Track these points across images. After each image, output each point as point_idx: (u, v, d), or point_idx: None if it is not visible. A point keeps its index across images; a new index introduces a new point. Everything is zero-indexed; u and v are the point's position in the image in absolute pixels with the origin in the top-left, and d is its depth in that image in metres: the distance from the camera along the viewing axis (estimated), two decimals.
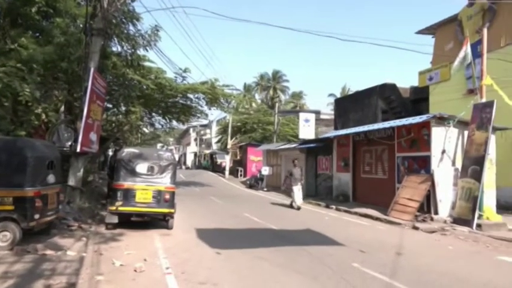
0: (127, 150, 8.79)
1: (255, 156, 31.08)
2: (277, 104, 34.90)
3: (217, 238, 7.90)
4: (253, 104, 47.65)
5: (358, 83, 55.49)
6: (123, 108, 16.76)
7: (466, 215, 9.80)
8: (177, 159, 59.04)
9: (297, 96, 57.48)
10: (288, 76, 61.15)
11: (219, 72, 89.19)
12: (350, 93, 40.14)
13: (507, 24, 15.13)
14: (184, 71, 16.64)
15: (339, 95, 46.75)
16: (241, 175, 32.18)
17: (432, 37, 19.92)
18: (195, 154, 58.50)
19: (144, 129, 25.82)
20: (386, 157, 13.32)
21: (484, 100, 10.75)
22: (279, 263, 5.86)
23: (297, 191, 13.35)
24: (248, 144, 33.28)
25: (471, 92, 14.94)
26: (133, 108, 15.24)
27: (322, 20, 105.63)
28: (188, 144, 66.29)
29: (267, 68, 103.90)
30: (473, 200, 9.73)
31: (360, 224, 10.35)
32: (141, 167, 8.35)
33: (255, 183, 23.48)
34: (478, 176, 9.85)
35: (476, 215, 9.58)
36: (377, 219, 10.97)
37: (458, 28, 17.20)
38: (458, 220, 9.97)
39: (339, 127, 22.59)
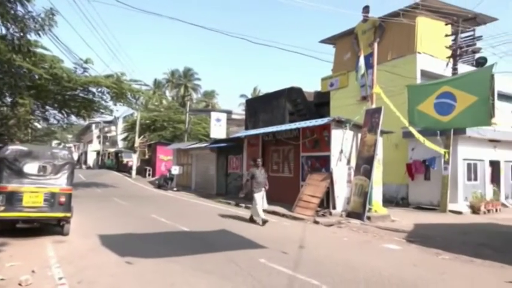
0: (12, 148, 7.67)
1: (164, 155, 30.17)
2: (188, 103, 34.32)
3: (121, 242, 7.41)
4: (164, 101, 46.10)
5: (269, 85, 58.19)
6: (9, 100, 14.63)
7: (358, 209, 10.96)
8: (76, 158, 53.69)
9: (209, 95, 57.40)
10: (200, 74, 60.76)
11: (127, 67, 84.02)
12: (261, 94, 41.62)
13: (393, 41, 17.39)
14: (86, 62, 15.24)
15: (250, 96, 48.07)
16: (149, 175, 30.90)
17: (333, 47, 21.83)
18: (98, 153, 54.05)
19: (36, 124, 22.96)
20: (292, 156, 14.14)
21: (374, 106, 12.16)
22: (188, 265, 5.75)
23: (260, 199, 10.03)
24: (157, 143, 32.15)
25: (364, 98, 16.79)
26: (22, 100, 13.43)
27: (235, 20, 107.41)
28: (90, 141, 60.90)
29: (179, 65, 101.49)
30: (364, 196, 10.93)
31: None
32: (31, 167, 7.38)
33: (164, 183, 22.73)
34: (368, 174, 11.10)
35: (367, 209, 10.80)
36: (283, 215, 11.57)
37: (354, 41, 19.14)
38: (352, 214, 11.10)
39: (249, 127, 23.22)
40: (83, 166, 53.45)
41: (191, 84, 55.29)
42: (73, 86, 15.57)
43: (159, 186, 22.87)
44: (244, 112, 29.89)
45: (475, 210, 13.29)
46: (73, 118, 19.97)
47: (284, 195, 13.67)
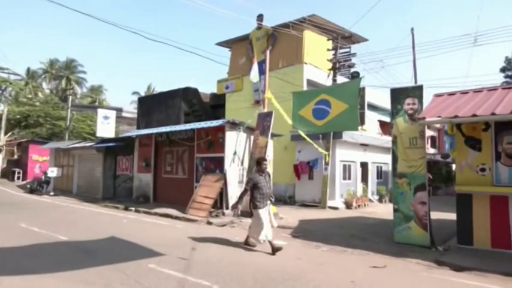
0: None
1: (39, 156, 26.62)
2: (71, 97, 30.82)
3: None
4: (40, 94, 40.49)
5: (165, 84, 55.80)
6: None
7: (245, 208, 11.38)
8: None
9: (96, 90, 52.67)
10: (86, 67, 54.99)
11: None
12: (155, 92, 40.01)
13: (284, 50, 18.66)
14: None
15: (144, 94, 45.78)
16: (19, 178, 26.81)
17: (229, 50, 22.34)
18: None
19: None
20: (187, 158, 13.95)
21: (266, 110, 12.84)
22: (65, 278, 5.14)
23: (266, 216, 7.26)
24: (30, 141, 28.13)
25: (257, 102, 17.61)
26: None
27: (129, 15, 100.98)
28: None
29: (59, 55, 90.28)
30: None
31: (159, 224, 10.38)
32: None
33: (38, 186, 19.91)
34: None
35: None
36: (176, 218, 11.31)
37: (249, 46, 19.93)
38: (244, 213, 11.41)
39: (142, 126, 22.12)
40: None
41: (74, 77, 49.83)
42: None
43: (32, 191, 19.96)
44: (136, 110, 28.30)
45: (348, 205, 15.15)
46: None
47: (178, 197, 13.41)
